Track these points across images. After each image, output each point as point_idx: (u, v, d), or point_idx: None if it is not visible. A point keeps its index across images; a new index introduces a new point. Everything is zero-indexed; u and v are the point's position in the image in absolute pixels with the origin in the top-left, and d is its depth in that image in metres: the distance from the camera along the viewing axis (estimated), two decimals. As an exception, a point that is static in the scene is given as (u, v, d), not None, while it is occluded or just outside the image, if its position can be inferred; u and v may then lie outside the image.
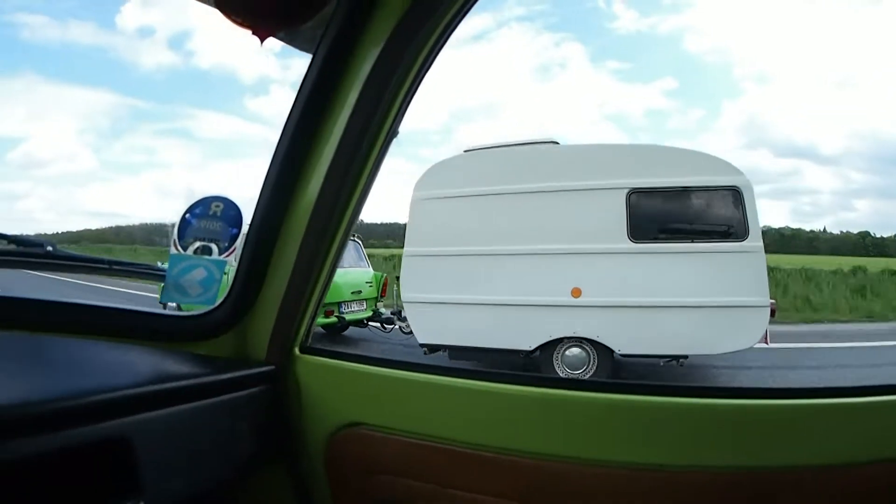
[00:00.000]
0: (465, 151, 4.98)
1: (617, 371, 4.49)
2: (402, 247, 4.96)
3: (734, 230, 4.21)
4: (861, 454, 0.73)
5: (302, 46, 0.81)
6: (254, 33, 0.67)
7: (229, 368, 0.91)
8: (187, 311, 1.05)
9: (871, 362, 5.07)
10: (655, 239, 4.32)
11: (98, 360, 0.86)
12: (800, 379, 4.60)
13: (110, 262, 1.24)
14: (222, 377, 0.88)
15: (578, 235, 4.40)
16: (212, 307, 1.00)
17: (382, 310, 6.26)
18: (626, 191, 4.37)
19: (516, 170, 4.59)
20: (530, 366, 4.59)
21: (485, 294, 4.55)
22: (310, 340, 1.02)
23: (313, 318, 1.00)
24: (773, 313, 4.21)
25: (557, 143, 4.79)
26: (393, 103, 0.82)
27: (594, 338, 4.41)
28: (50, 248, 1.01)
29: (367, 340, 5.96)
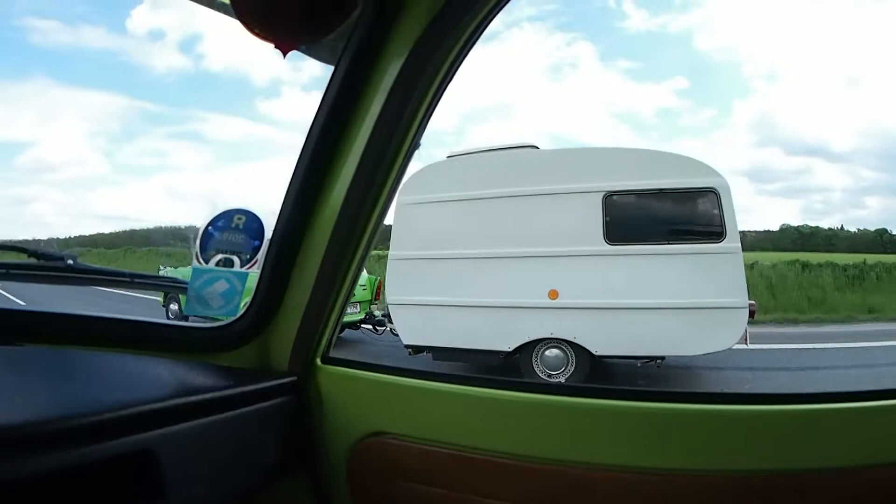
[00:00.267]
0: (449, 157, 5.10)
1: (596, 372, 4.53)
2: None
3: (711, 231, 4.21)
4: (869, 457, 0.74)
5: (323, 58, 0.82)
6: (276, 47, 0.67)
7: (252, 380, 0.91)
8: (209, 322, 1.05)
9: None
10: (632, 241, 4.35)
11: (122, 373, 0.86)
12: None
13: (132, 276, 1.27)
14: (245, 389, 0.88)
15: (556, 238, 4.46)
16: (234, 318, 1.00)
17: (376, 312, 6.41)
18: (602, 194, 4.41)
19: (497, 174, 4.68)
20: (511, 366, 4.66)
21: (466, 296, 4.66)
22: (331, 350, 1.02)
23: (335, 328, 1.00)
24: (752, 314, 4.19)
25: (537, 147, 4.85)
26: (416, 115, 0.83)
27: (571, 339, 4.47)
28: (71, 262, 1.03)
29: (360, 342, 6.12)
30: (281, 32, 0.67)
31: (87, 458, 0.62)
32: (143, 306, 6.16)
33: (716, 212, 4.19)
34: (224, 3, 0.67)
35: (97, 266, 1.23)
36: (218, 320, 1.06)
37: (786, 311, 7.88)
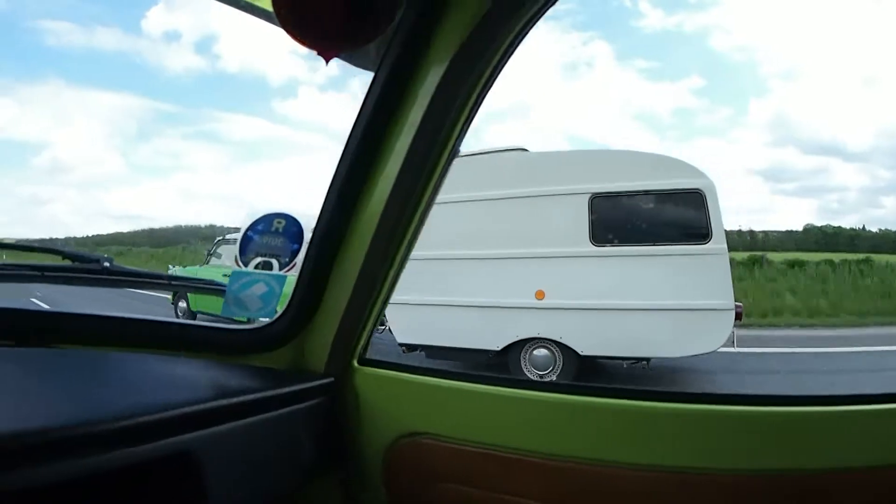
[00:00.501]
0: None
1: (584, 372, 4.58)
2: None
3: (697, 233, 4.21)
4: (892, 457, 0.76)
5: (363, 65, 0.82)
6: (319, 54, 0.68)
7: (289, 381, 0.92)
8: (244, 323, 1.06)
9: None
10: (617, 242, 4.39)
11: (160, 375, 0.87)
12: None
13: (170, 278, 1.29)
14: (283, 391, 0.88)
15: (543, 239, 4.53)
16: (271, 320, 1.00)
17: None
18: (588, 195, 4.46)
19: (486, 177, 4.77)
20: (500, 365, 4.75)
21: (456, 296, 4.77)
22: (367, 352, 1.03)
23: (372, 330, 1.01)
24: (739, 317, 4.17)
25: (526, 150, 4.93)
26: (457, 121, 0.83)
27: (557, 339, 4.53)
28: (107, 264, 1.02)
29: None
30: (325, 41, 0.68)
31: (129, 460, 0.63)
32: (154, 304, 6.47)
33: (701, 213, 4.19)
34: (267, 11, 0.68)
35: (133, 268, 1.24)
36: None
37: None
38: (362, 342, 1.00)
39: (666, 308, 4.18)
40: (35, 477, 0.55)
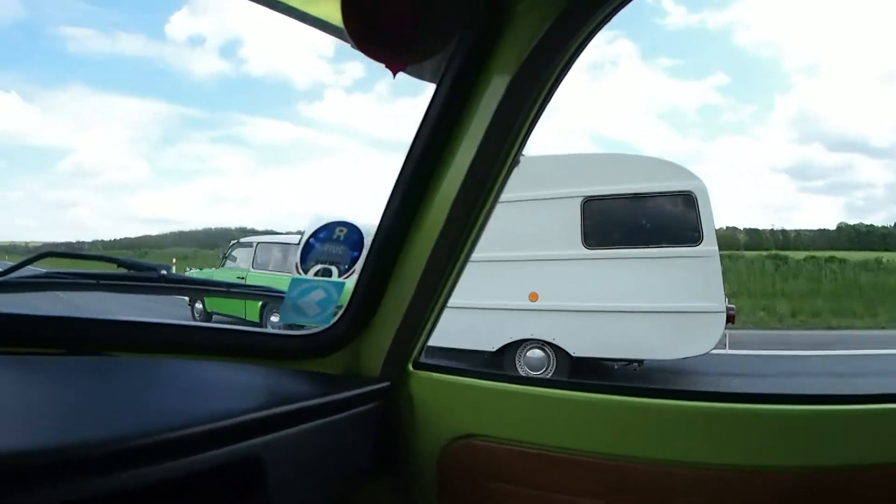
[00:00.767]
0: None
1: (578, 373, 4.63)
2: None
3: (688, 235, 4.22)
4: None
5: (425, 77, 0.83)
6: (387, 67, 0.70)
7: (347, 386, 0.93)
8: (300, 329, 1.07)
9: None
10: (609, 245, 4.43)
11: (217, 382, 0.88)
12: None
13: (228, 286, 1.29)
14: (341, 395, 0.89)
15: (536, 243, 4.61)
16: (327, 325, 1.01)
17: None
18: (580, 199, 4.52)
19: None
20: (496, 365, 4.85)
21: (453, 298, 4.88)
22: (422, 356, 1.04)
23: (429, 335, 1.02)
24: (731, 319, 4.16)
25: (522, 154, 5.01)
26: (518, 134, 0.84)
27: (550, 340, 4.60)
28: (164, 272, 1.04)
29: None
30: (393, 55, 0.70)
31: (198, 466, 0.64)
32: (171, 304, 6.84)
33: (692, 215, 4.19)
34: (339, 27, 0.70)
35: (189, 276, 1.34)
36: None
37: None
38: (419, 347, 1.02)
39: (656, 310, 4.20)
40: (103, 487, 0.55)
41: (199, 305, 6.67)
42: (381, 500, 1.02)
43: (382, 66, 0.71)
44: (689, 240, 4.20)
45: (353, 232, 1.00)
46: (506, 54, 0.77)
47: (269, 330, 1.12)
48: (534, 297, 4.62)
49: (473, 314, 4.83)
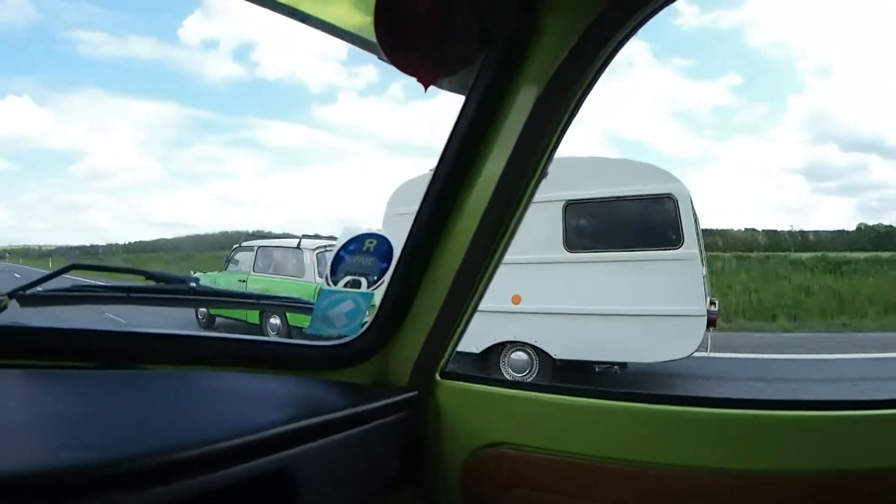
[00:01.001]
0: (431, 170, 5.44)
1: (562, 375, 4.65)
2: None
3: (669, 238, 4.21)
4: None
5: (454, 88, 0.84)
6: (419, 80, 0.71)
7: (375, 396, 0.94)
8: (326, 339, 1.08)
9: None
10: (590, 248, 4.46)
11: (248, 393, 0.88)
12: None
13: (258, 297, 1.29)
14: (370, 406, 0.90)
15: (519, 246, 4.62)
16: (355, 336, 1.02)
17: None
18: (562, 203, 4.55)
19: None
20: (482, 367, 4.91)
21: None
22: (449, 365, 1.05)
23: (456, 344, 1.03)
24: (713, 323, 4.13)
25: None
26: (549, 144, 0.84)
27: (533, 342, 4.64)
28: (193, 284, 1.04)
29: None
30: (424, 69, 0.71)
31: (233, 479, 0.64)
32: (175, 309, 7.07)
33: (673, 218, 4.18)
34: (371, 42, 0.70)
35: (219, 288, 1.27)
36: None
37: None
38: (446, 356, 1.03)
39: (637, 314, 4.20)
40: (139, 503, 0.56)
41: (203, 308, 6.88)
42: None
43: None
44: (670, 242, 4.19)
45: (383, 244, 1.02)
46: (536, 66, 0.77)
47: (299, 341, 1.16)
48: (517, 299, 4.67)
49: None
